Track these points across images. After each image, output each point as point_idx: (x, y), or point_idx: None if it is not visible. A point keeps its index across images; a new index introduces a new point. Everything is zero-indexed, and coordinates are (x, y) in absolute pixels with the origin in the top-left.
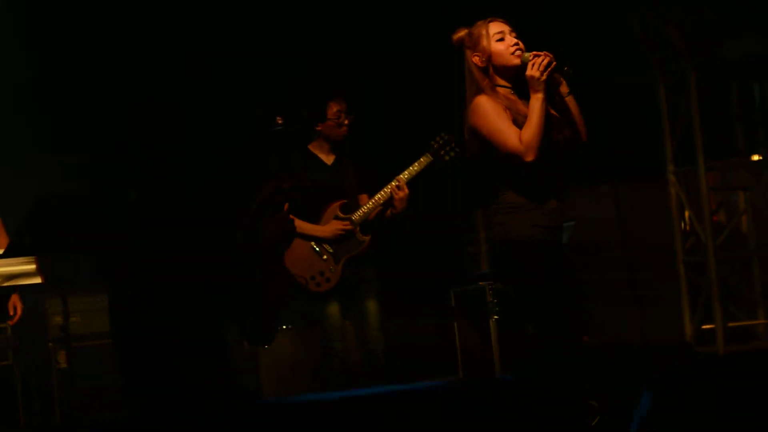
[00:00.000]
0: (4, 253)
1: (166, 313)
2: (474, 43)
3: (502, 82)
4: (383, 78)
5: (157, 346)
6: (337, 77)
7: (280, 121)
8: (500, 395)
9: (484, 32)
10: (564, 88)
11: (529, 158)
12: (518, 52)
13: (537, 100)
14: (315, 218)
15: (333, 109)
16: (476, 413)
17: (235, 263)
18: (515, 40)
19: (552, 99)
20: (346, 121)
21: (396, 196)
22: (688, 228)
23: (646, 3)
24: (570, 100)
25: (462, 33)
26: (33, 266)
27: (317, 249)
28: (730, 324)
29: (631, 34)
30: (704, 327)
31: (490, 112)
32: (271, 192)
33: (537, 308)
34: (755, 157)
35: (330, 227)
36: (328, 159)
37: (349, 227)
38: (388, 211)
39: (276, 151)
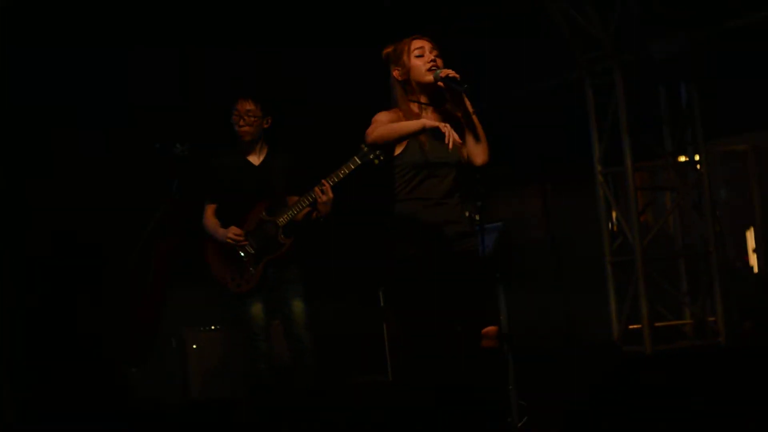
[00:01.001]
0: None
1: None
2: (396, 58)
3: (421, 97)
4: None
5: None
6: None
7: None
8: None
9: (405, 48)
10: (468, 108)
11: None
12: (433, 69)
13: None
14: (241, 219)
15: (239, 109)
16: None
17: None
18: (432, 57)
19: (453, 117)
20: (242, 122)
21: (320, 200)
22: (615, 228)
23: (571, 1)
24: (475, 120)
25: (389, 49)
26: None
27: (238, 251)
28: (657, 324)
29: (559, 33)
30: (631, 327)
31: (377, 121)
32: (166, 214)
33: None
34: (682, 158)
35: (222, 232)
36: (257, 160)
37: (240, 238)
38: (314, 214)
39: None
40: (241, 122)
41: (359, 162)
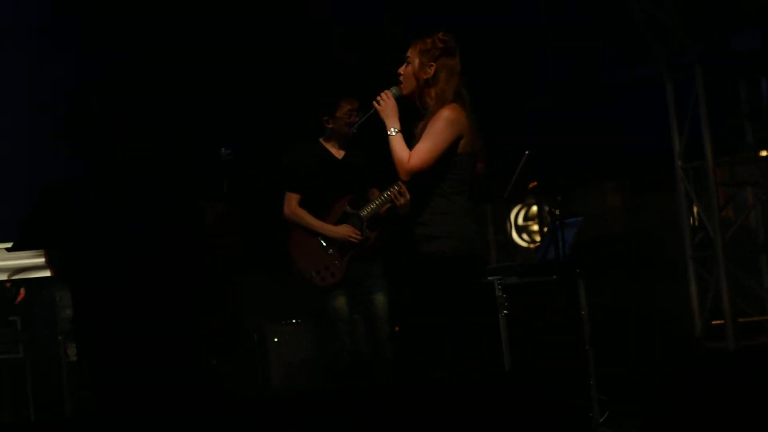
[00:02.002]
0: (12, 246)
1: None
2: None
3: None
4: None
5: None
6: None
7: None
8: (509, 391)
9: None
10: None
11: None
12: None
13: None
14: (324, 212)
15: (344, 108)
16: (484, 408)
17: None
18: (400, 70)
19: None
20: (349, 120)
21: (397, 202)
22: (696, 224)
23: None
24: (390, 140)
25: None
26: (42, 259)
27: (324, 244)
28: (740, 320)
29: (637, 27)
30: (714, 323)
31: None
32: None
33: None
34: (763, 153)
35: (342, 230)
36: (339, 153)
37: (360, 237)
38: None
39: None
40: (349, 120)
41: None
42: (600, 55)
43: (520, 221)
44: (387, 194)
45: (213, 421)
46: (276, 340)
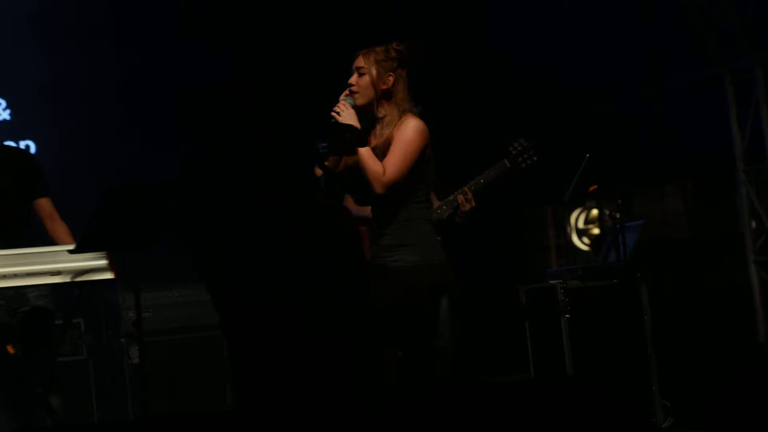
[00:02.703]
0: (75, 248)
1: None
2: None
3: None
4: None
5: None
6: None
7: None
8: (571, 394)
9: None
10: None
11: None
12: (352, 93)
13: None
14: None
15: None
16: (546, 412)
17: None
18: (351, 80)
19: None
20: None
21: (462, 209)
22: (758, 226)
23: None
24: (359, 153)
25: None
26: (105, 261)
27: None
28: None
29: (697, 30)
30: None
31: None
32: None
33: None
34: None
35: None
36: None
37: None
38: (456, 218)
39: None
40: None
41: (508, 165)
42: (660, 58)
43: (581, 224)
44: (451, 200)
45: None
46: None
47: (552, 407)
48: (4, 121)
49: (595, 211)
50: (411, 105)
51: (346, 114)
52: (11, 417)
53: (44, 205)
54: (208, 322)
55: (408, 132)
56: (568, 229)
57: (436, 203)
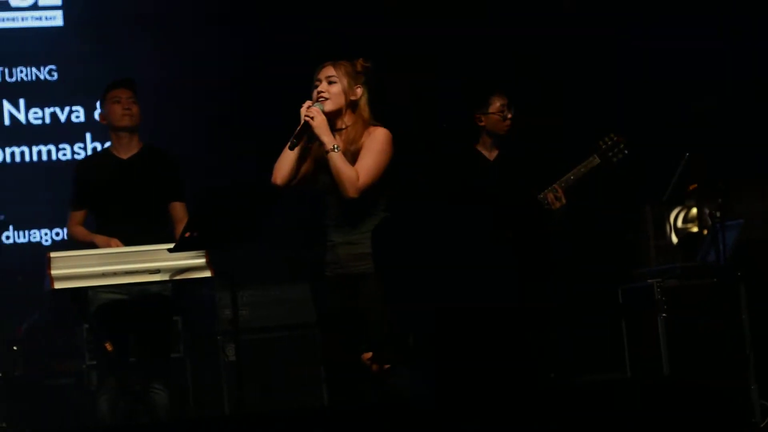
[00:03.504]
0: (175, 247)
1: None
2: None
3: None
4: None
5: None
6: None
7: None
8: (668, 393)
9: (314, 76)
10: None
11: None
12: (319, 100)
13: None
14: (481, 216)
15: (496, 103)
16: (644, 411)
17: None
18: (321, 88)
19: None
20: (510, 115)
21: (553, 206)
22: None
23: None
24: (328, 157)
25: None
26: (203, 260)
27: None
28: None
29: None
30: None
31: None
32: None
33: None
34: None
35: None
36: (491, 155)
37: None
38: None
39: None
40: (510, 116)
41: (599, 160)
42: (761, 54)
43: (680, 224)
44: (541, 197)
45: None
46: None
47: (649, 406)
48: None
49: (694, 210)
50: (372, 119)
51: (318, 119)
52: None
53: (178, 209)
54: (305, 320)
55: (380, 140)
56: (667, 228)
57: None
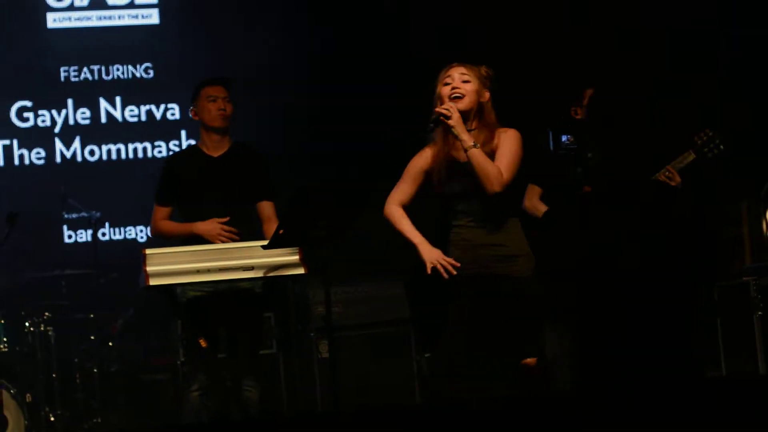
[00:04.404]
0: (268, 244)
1: None
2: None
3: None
4: None
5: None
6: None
7: None
8: (765, 391)
9: (439, 76)
10: (462, 143)
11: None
12: (456, 97)
13: None
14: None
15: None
16: (739, 409)
17: None
18: (455, 85)
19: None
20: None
21: (672, 184)
22: None
23: None
24: (470, 154)
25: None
26: (297, 257)
27: None
28: None
29: None
30: None
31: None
32: None
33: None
34: None
35: None
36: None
37: None
38: None
39: None
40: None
41: (694, 155)
42: None
43: None
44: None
45: None
46: None
47: (745, 405)
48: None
49: None
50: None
51: (456, 117)
52: (214, 407)
53: (266, 208)
54: (398, 316)
55: (515, 140)
56: (764, 225)
57: None
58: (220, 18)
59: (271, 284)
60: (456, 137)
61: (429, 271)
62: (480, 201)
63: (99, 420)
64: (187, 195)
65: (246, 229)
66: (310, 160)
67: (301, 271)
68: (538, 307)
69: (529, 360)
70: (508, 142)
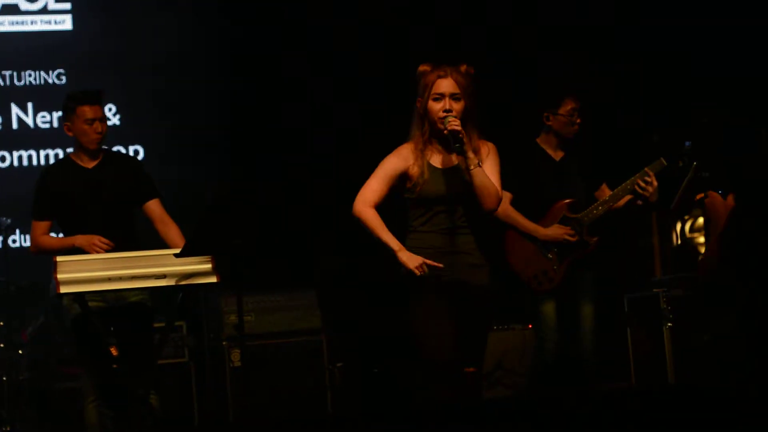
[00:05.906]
0: (180, 252)
1: None
2: (421, 89)
3: (431, 136)
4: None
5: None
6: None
7: None
8: (673, 402)
9: (428, 85)
10: (468, 162)
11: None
12: (449, 120)
13: None
14: (538, 214)
15: (568, 106)
16: (648, 420)
17: None
18: (448, 105)
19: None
20: (578, 120)
21: (647, 194)
22: None
23: None
24: (473, 173)
25: (421, 68)
26: (210, 265)
27: (542, 248)
28: None
29: None
30: None
31: (380, 164)
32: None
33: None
34: None
35: (554, 231)
36: (556, 155)
37: (575, 238)
38: (638, 201)
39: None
40: (578, 120)
41: (665, 163)
42: None
43: (687, 233)
44: (628, 187)
45: None
46: None
47: (653, 415)
48: (114, 126)
49: (701, 220)
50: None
51: (463, 132)
52: (114, 417)
53: (154, 207)
54: (310, 326)
55: (497, 156)
56: (674, 237)
57: (606, 192)
58: (135, 24)
59: (184, 292)
60: (463, 155)
61: (418, 273)
62: (456, 208)
63: (8, 429)
64: (65, 209)
65: (129, 235)
66: (223, 146)
67: (213, 279)
68: (492, 318)
69: (471, 368)
70: (494, 159)
